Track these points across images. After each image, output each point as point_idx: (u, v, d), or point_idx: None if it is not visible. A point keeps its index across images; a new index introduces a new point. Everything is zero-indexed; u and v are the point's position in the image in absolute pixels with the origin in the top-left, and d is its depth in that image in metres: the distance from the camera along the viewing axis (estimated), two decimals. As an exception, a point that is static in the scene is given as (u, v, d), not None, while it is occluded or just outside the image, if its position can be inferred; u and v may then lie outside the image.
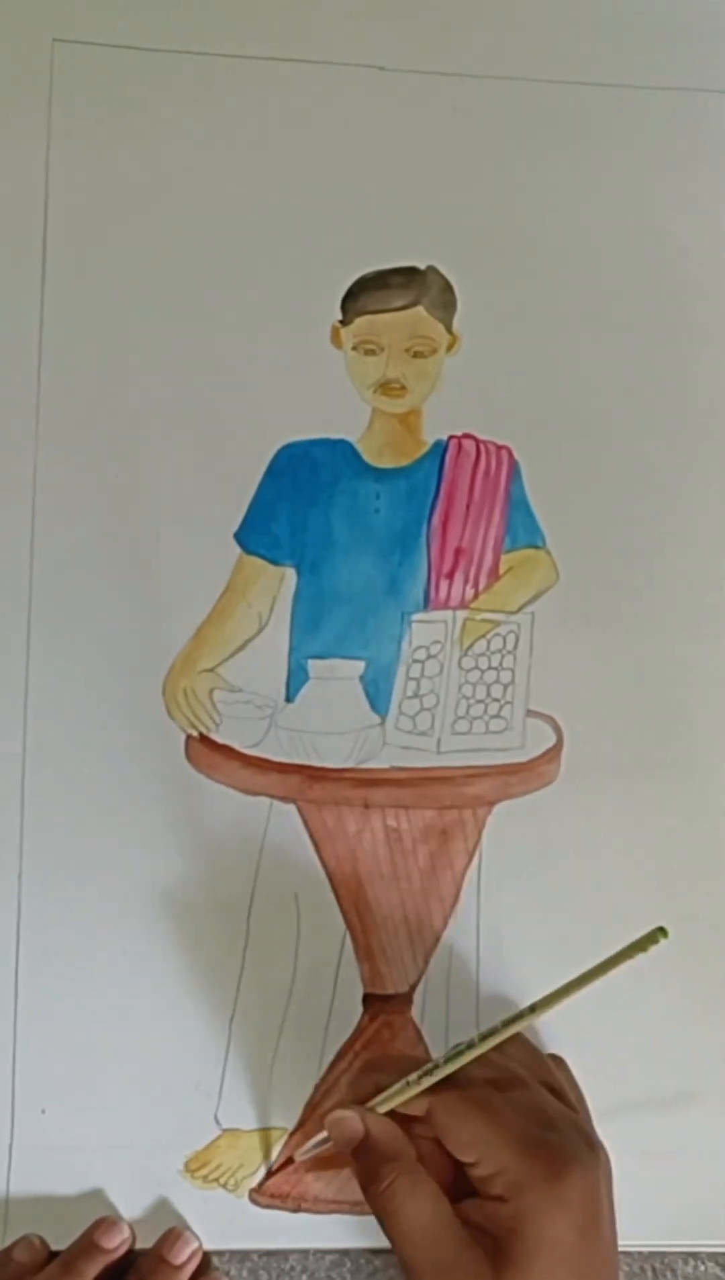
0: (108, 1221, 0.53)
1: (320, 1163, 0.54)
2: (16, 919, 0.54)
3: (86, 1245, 0.52)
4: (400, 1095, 0.47)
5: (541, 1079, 0.49)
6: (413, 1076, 0.46)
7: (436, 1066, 0.46)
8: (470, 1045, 0.46)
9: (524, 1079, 0.48)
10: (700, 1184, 0.55)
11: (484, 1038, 0.46)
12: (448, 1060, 0.46)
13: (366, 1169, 0.46)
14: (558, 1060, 0.53)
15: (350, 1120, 0.47)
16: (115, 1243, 0.52)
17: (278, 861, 0.55)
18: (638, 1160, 0.50)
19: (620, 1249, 0.47)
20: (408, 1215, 0.45)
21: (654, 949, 0.44)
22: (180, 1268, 0.52)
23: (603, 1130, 0.48)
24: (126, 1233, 0.53)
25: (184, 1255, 0.53)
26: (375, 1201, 0.46)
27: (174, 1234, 0.53)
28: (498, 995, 0.56)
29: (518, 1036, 0.48)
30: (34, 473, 0.55)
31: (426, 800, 0.55)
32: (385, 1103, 0.47)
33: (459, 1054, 0.46)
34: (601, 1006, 0.56)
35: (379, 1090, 0.48)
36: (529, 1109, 0.46)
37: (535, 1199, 0.44)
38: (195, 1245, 0.53)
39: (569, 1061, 0.54)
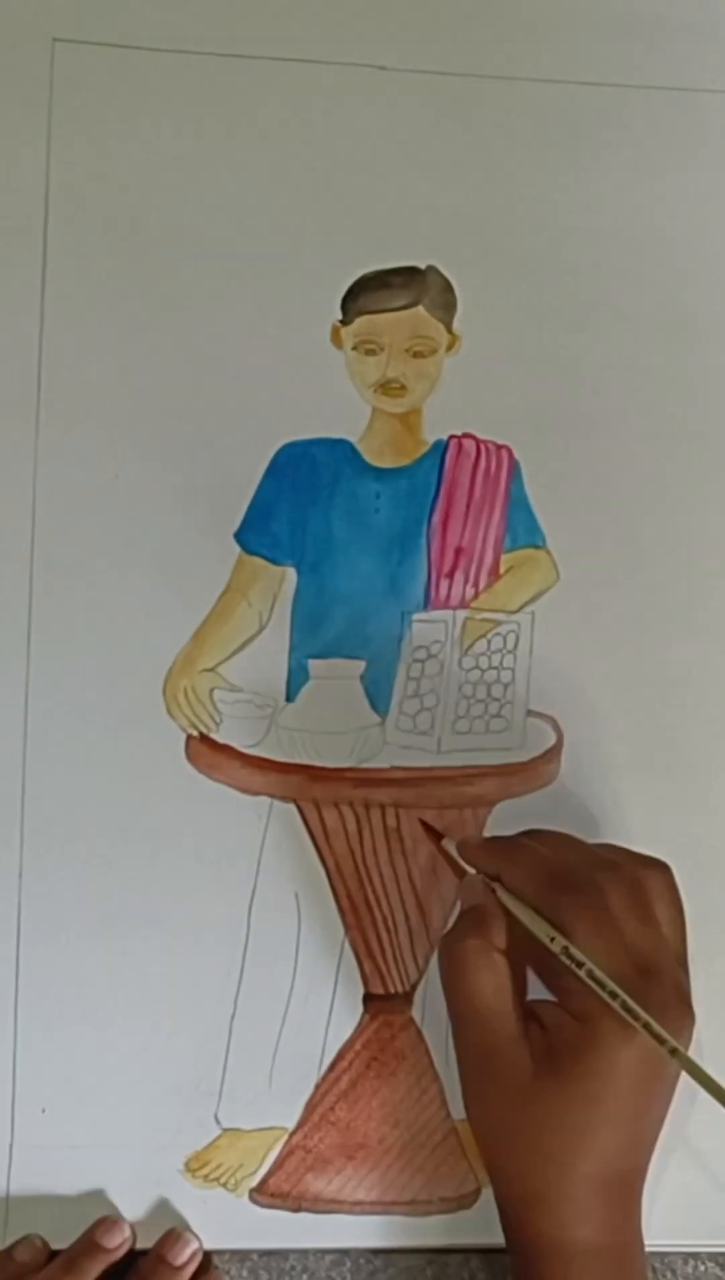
0: (109, 1221, 0.53)
1: (321, 1162, 0.54)
2: (17, 918, 0.54)
3: (87, 1244, 0.52)
4: (534, 926, 0.46)
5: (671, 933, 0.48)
6: (557, 941, 0.45)
7: (580, 965, 0.44)
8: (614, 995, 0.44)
9: (652, 918, 0.47)
10: (701, 1184, 0.55)
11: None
12: (585, 970, 0.44)
13: (453, 927, 0.48)
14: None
15: (472, 886, 0.49)
16: (116, 1242, 0.52)
17: (278, 861, 0.55)
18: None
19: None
20: (472, 984, 0.46)
21: None
22: (180, 1269, 0.52)
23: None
24: (127, 1232, 0.53)
25: (184, 1256, 0.53)
26: (444, 961, 0.47)
27: (174, 1235, 0.53)
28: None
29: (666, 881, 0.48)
30: (34, 473, 0.55)
31: (427, 800, 0.55)
32: (521, 914, 0.47)
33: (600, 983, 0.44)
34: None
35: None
36: (639, 948, 0.45)
37: (606, 1031, 0.44)
38: (195, 1246, 0.53)
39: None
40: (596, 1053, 0.44)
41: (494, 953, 0.47)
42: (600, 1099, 0.44)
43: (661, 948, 0.46)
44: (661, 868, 0.49)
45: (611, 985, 0.44)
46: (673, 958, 0.46)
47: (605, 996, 0.44)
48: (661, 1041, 0.43)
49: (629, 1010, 0.43)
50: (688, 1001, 0.46)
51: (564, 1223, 0.45)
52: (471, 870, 0.50)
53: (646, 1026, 0.43)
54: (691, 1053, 0.45)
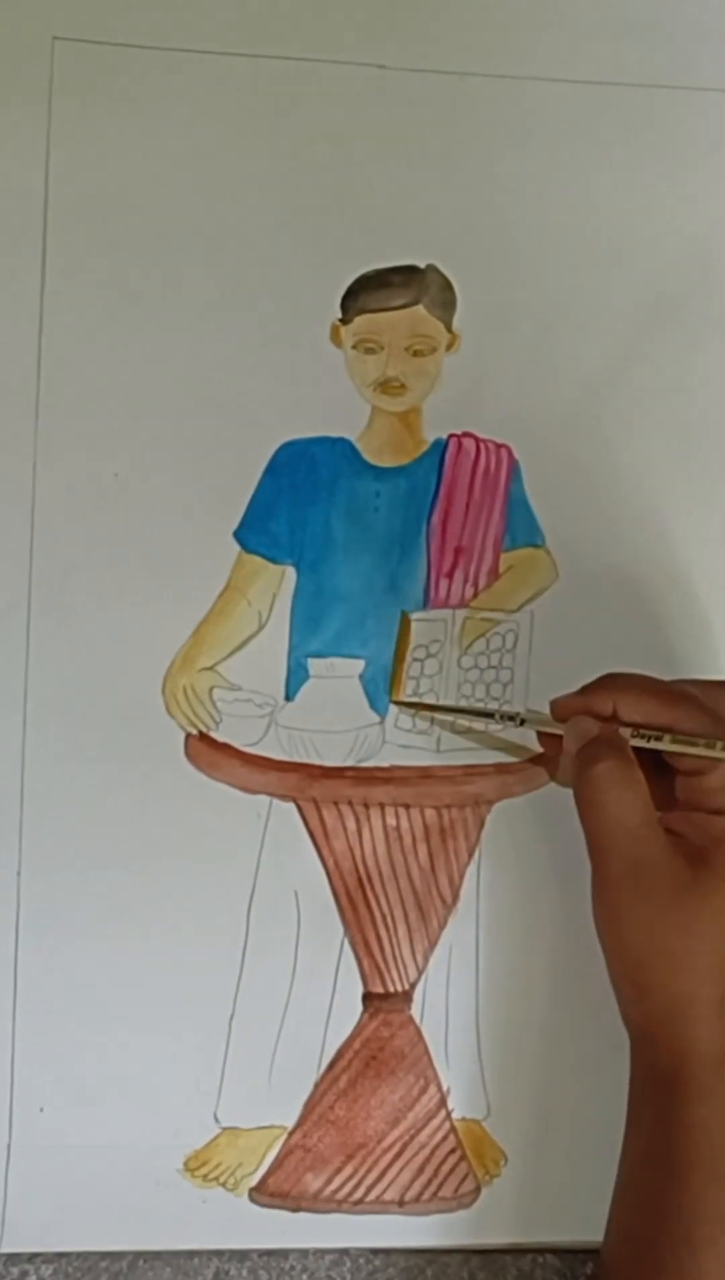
0: None
1: (320, 1161, 0.54)
2: (15, 917, 0.54)
3: None
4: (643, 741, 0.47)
5: None
6: (667, 738, 0.47)
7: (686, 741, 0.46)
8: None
9: None
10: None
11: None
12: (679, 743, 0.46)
13: (583, 757, 0.47)
14: None
15: (586, 724, 0.48)
16: None
17: (277, 860, 0.55)
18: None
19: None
20: (615, 804, 0.46)
21: None
22: None
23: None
24: None
25: None
26: (584, 788, 0.47)
27: None
28: (497, 993, 0.56)
29: None
30: (33, 471, 0.55)
31: (426, 799, 0.55)
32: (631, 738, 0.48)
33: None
34: (597, 1001, 0.56)
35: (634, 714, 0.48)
36: None
37: None
38: None
39: (569, 1064, 0.54)
40: None
41: (633, 768, 0.46)
42: None
43: None
44: None
45: None
46: None
47: None
48: None
49: None
50: None
51: (707, 1035, 0.45)
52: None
53: None
54: None
